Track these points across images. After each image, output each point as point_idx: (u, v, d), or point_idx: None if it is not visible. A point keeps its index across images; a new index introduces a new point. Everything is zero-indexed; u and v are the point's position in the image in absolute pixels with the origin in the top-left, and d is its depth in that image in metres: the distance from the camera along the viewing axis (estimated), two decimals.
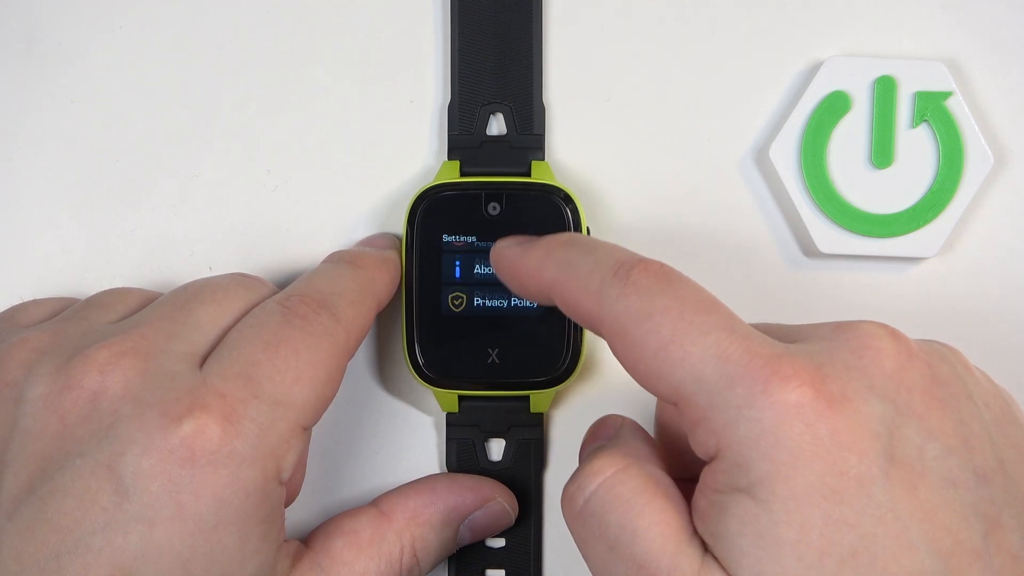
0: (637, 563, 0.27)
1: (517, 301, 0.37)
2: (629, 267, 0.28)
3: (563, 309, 0.30)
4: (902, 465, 0.26)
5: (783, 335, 0.29)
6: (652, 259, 0.29)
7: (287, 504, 0.32)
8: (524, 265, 0.31)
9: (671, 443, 0.32)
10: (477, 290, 0.37)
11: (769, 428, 0.25)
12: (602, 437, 0.32)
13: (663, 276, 0.28)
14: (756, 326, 0.29)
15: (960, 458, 0.26)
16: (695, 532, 0.27)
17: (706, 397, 0.26)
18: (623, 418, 0.32)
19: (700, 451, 0.27)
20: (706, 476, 0.27)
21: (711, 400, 0.26)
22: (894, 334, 0.28)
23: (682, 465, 0.30)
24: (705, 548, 0.27)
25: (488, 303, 0.37)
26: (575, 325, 0.36)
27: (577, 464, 0.31)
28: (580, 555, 0.39)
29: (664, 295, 0.27)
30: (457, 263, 0.37)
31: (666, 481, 0.28)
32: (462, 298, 0.37)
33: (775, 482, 0.25)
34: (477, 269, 0.37)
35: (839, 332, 0.28)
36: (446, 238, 0.37)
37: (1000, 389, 0.30)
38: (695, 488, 0.28)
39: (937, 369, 0.28)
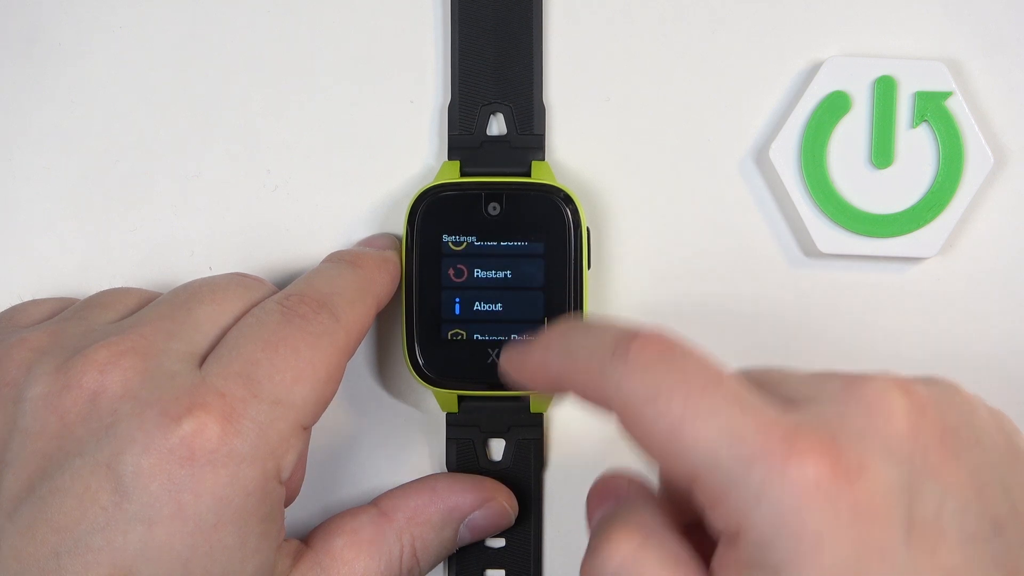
0: None
1: (517, 301, 0.37)
2: (627, 344, 0.27)
3: (578, 398, 0.29)
4: (922, 528, 0.25)
5: (789, 390, 0.28)
6: (649, 331, 0.28)
7: (287, 504, 0.32)
8: (529, 365, 0.30)
9: (678, 497, 0.31)
10: (477, 291, 0.37)
11: (791, 509, 0.25)
12: (608, 498, 0.30)
13: (664, 350, 0.27)
14: (762, 376, 0.29)
15: (976, 510, 0.26)
16: None
17: (723, 479, 0.25)
18: (628, 478, 0.30)
19: (718, 528, 0.26)
20: (726, 553, 0.26)
21: (729, 483, 0.25)
22: (905, 389, 0.27)
23: (690, 511, 0.30)
24: None
25: (488, 303, 0.37)
26: None
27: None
28: (579, 555, 0.39)
29: (668, 373, 0.27)
30: (457, 263, 0.37)
31: (685, 556, 0.27)
32: (462, 298, 0.37)
33: (800, 562, 0.24)
34: (477, 269, 0.37)
35: (849, 392, 0.27)
36: (446, 238, 0.37)
37: (998, 418, 0.29)
38: (703, 536, 0.27)
39: (947, 418, 0.27)
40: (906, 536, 0.25)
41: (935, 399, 0.27)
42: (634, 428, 0.27)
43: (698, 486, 0.26)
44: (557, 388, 0.30)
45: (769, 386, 0.28)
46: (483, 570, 0.38)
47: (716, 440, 0.25)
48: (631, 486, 0.30)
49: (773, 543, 0.25)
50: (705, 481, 0.26)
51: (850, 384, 0.27)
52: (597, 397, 0.28)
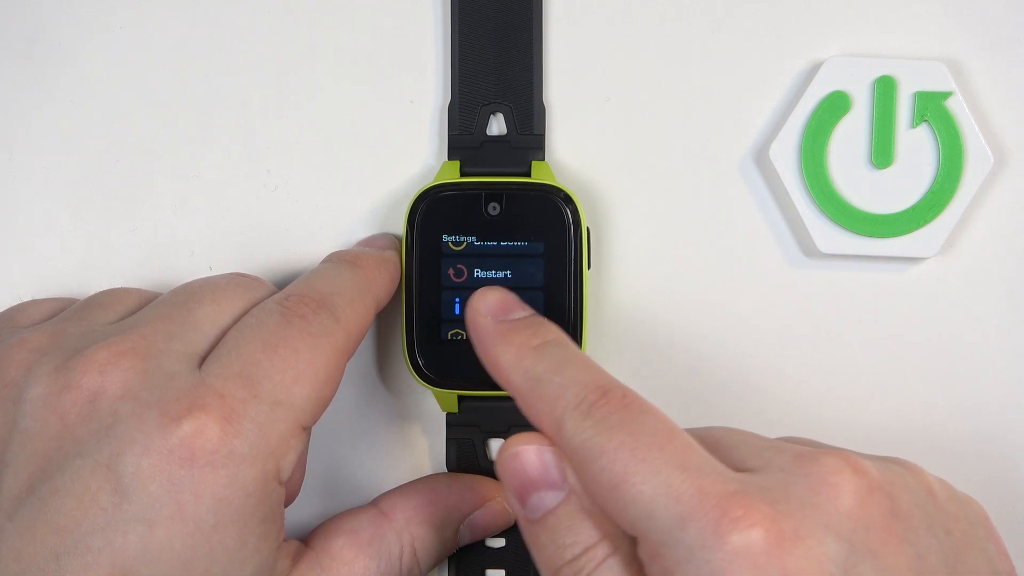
0: None
1: None
2: (593, 399, 0.28)
3: (524, 415, 0.30)
4: None
5: (744, 459, 0.28)
6: (617, 387, 0.28)
7: (287, 504, 0.32)
8: (493, 356, 0.31)
9: None
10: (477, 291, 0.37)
11: (718, 570, 0.25)
12: (549, 485, 0.29)
13: (623, 408, 0.28)
14: (720, 439, 0.29)
15: None
16: None
17: (659, 535, 0.26)
18: (558, 458, 0.29)
19: None
20: None
21: (663, 539, 0.26)
22: (856, 468, 0.27)
23: None
24: None
25: None
26: (575, 326, 0.36)
27: None
28: None
29: (620, 430, 0.27)
30: (457, 263, 0.37)
31: (637, 566, 0.28)
32: (462, 298, 0.37)
33: None
34: (477, 269, 0.37)
35: (799, 465, 0.27)
36: (446, 238, 0.37)
37: (965, 505, 0.29)
38: None
39: (897, 501, 0.27)
40: None
41: (888, 481, 0.28)
42: (582, 477, 0.28)
43: (639, 539, 0.27)
44: (507, 391, 0.31)
45: (724, 450, 0.28)
46: (483, 570, 0.38)
47: (653, 498, 0.26)
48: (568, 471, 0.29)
49: None
50: (643, 535, 0.26)
51: (801, 457, 0.28)
52: (549, 435, 0.29)
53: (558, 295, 0.37)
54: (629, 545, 0.28)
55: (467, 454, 0.38)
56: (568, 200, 0.37)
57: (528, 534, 0.29)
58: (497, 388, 0.37)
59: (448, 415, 0.38)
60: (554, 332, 0.31)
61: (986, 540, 0.29)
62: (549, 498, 0.29)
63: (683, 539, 0.25)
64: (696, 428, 0.30)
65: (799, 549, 0.25)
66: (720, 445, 0.29)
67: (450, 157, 0.38)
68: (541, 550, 0.29)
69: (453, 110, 0.38)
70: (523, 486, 0.29)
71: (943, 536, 0.28)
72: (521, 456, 0.29)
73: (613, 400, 0.28)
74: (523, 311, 0.32)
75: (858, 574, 0.26)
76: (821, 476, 0.27)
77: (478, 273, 0.37)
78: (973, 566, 0.28)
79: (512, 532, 0.38)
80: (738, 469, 0.28)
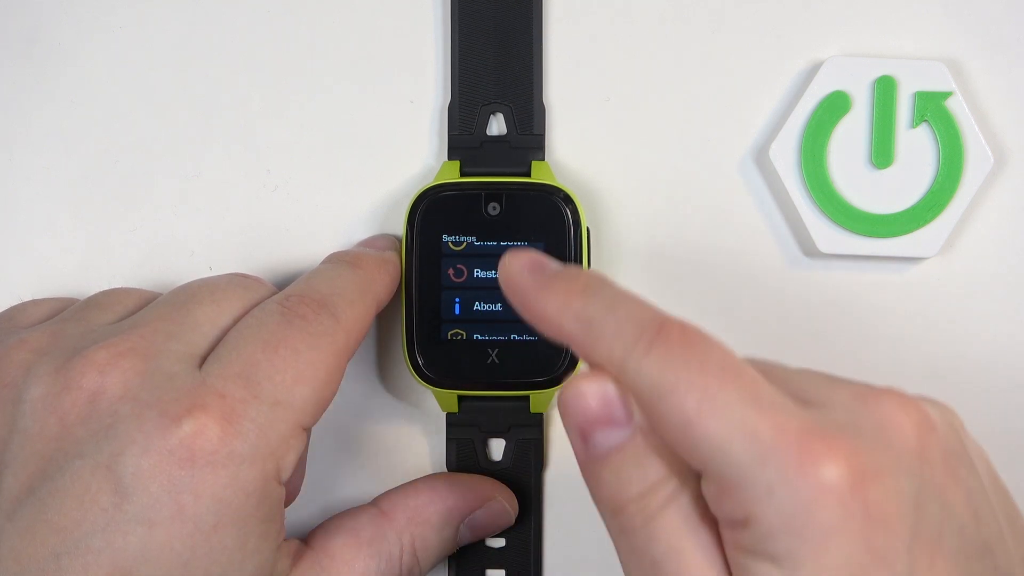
0: None
1: None
2: (652, 334, 0.27)
3: (583, 359, 0.29)
4: (924, 540, 0.25)
5: (803, 390, 0.28)
6: (674, 320, 0.28)
7: (287, 504, 0.32)
8: (540, 308, 0.30)
9: None
10: (477, 291, 0.37)
11: (803, 505, 0.25)
12: (614, 423, 0.29)
13: (685, 342, 0.27)
14: (770, 370, 0.29)
15: (972, 531, 0.26)
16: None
17: (735, 473, 0.26)
18: (624, 395, 0.29)
19: (724, 515, 0.26)
20: (730, 535, 0.26)
21: (740, 477, 0.25)
22: (916, 406, 0.27)
23: None
24: None
25: (488, 303, 0.37)
26: None
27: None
28: (580, 555, 0.39)
29: (687, 366, 0.27)
30: (457, 263, 0.37)
31: (704, 505, 0.28)
32: (462, 298, 0.37)
33: (803, 556, 0.25)
34: (477, 269, 0.37)
35: (862, 403, 0.27)
36: (446, 238, 0.37)
37: (981, 449, 0.30)
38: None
39: (950, 441, 0.28)
40: (909, 546, 0.25)
41: (940, 421, 0.28)
42: (650, 415, 0.27)
43: (709, 476, 0.26)
44: (559, 340, 0.29)
45: (783, 383, 0.28)
46: (483, 570, 0.38)
47: (729, 436, 0.26)
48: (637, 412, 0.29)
49: (779, 535, 0.25)
50: (717, 473, 0.26)
51: (863, 395, 0.27)
52: (613, 374, 0.28)
53: None
54: (696, 481, 0.27)
55: (467, 454, 0.38)
56: (568, 200, 0.37)
57: (590, 473, 0.29)
58: (497, 388, 0.37)
59: (448, 415, 0.38)
60: (596, 274, 0.30)
61: (1002, 482, 0.30)
62: (615, 435, 0.28)
63: (762, 476, 0.25)
64: (749, 359, 0.29)
65: (879, 485, 0.25)
66: (774, 376, 0.28)
67: (450, 157, 0.38)
68: (604, 487, 0.28)
69: (453, 110, 0.38)
70: (588, 423, 0.28)
71: (983, 475, 0.28)
72: (587, 394, 0.28)
73: (673, 334, 0.27)
74: (558, 265, 0.31)
75: (928, 509, 0.26)
76: (885, 414, 0.27)
77: (478, 273, 0.37)
78: (1006, 505, 0.28)
79: (512, 532, 0.38)
80: (802, 403, 0.27)
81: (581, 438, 0.29)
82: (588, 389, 0.28)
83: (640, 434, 0.28)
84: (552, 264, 0.31)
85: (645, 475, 0.28)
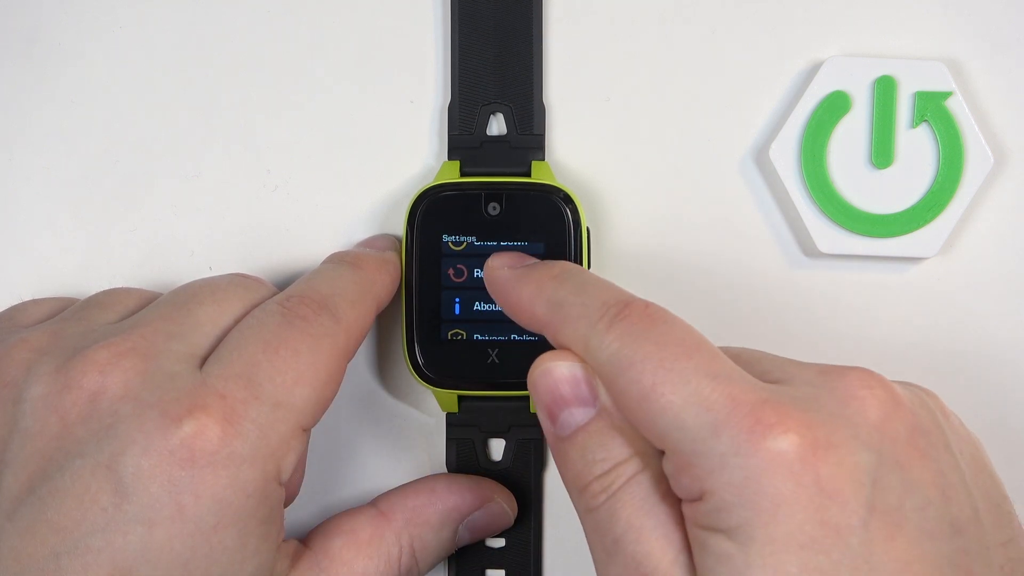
0: (640, 559, 0.27)
1: None
2: (615, 312, 0.28)
3: (553, 344, 0.31)
4: (882, 515, 0.25)
5: (767, 371, 0.28)
6: (639, 300, 0.29)
7: (286, 504, 0.32)
8: (516, 297, 0.31)
9: None
10: (477, 291, 0.37)
11: (753, 476, 0.25)
12: (580, 402, 0.29)
13: (647, 319, 0.28)
14: (739, 354, 0.29)
15: (938, 509, 0.26)
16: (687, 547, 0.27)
17: (690, 445, 0.26)
18: (589, 374, 0.29)
19: (683, 493, 0.27)
20: (688, 511, 0.27)
21: (695, 448, 0.26)
22: (881, 382, 0.27)
23: None
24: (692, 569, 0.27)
25: (488, 303, 0.37)
26: None
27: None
28: (580, 555, 0.39)
29: (646, 341, 0.27)
30: (457, 263, 0.37)
31: (666, 484, 0.28)
32: (462, 298, 0.37)
33: (754, 528, 0.25)
34: (477, 269, 0.37)
35: (826, 378, 0.28)
36: (446, 238, 0.37)
37: (971, 435, 0.30)
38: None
39: (919, 418, 0.28)
40: (865, 519, 0.25)
41: (910, 399, 0.28)
42: (612, 391, 0.28)
43: (667, 451, 0.27)
44: (537, 330, 0.31)
45: (746, 364, 0.29)
46: (483, 570, 0.38)
47: (684, 407, 0.26)
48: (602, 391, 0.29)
49: (731, 508, 0.25)
50: (673, 446, 0.26)
51: (826, 372, 0.28)
52: (578, 354, 0.29)
53: None
54: (658, 462, 0.28)
55: (467, 454, 0.38)
56: (568, 200, 0.37)
57: (557, 451, 0.29)
58: (497, 388, 0.37)
59: (448, 415, 0.38)
60: (569, 263, 0.32)
61: (991, 467, 0.29)
62: (580, 414, 0.29)
63: (715, 447, 0.25)
64: (723, 347, 0.29)
65: (832, 456, 0.25)
66: (741, 359, 0.29)
67: (450, 157, 0.38)
68: (570, 466, 0.29)
69: (453, 110, 0.38)
70: (554, 402, 0.29)
71: (959, 456, 0.28)
72: (552, 372, 0.29)
73: (636, 311, 0.28)
74: (535, 260, 0.33)
75: (886, 484, 0.26)
76: (848, 389, 0.27)
77: (478, 273, 0.37)
78: (986, 488, 0.28)
79: (512, 532, 0.38)
80: (762, 380, 0.28)
81: (549, 417, 0.29)
82: (555, 367, 0.29)
83: (604, 414, 0.29)
84: (530, 259, 0.33)
85: (608, 454, 0.28)
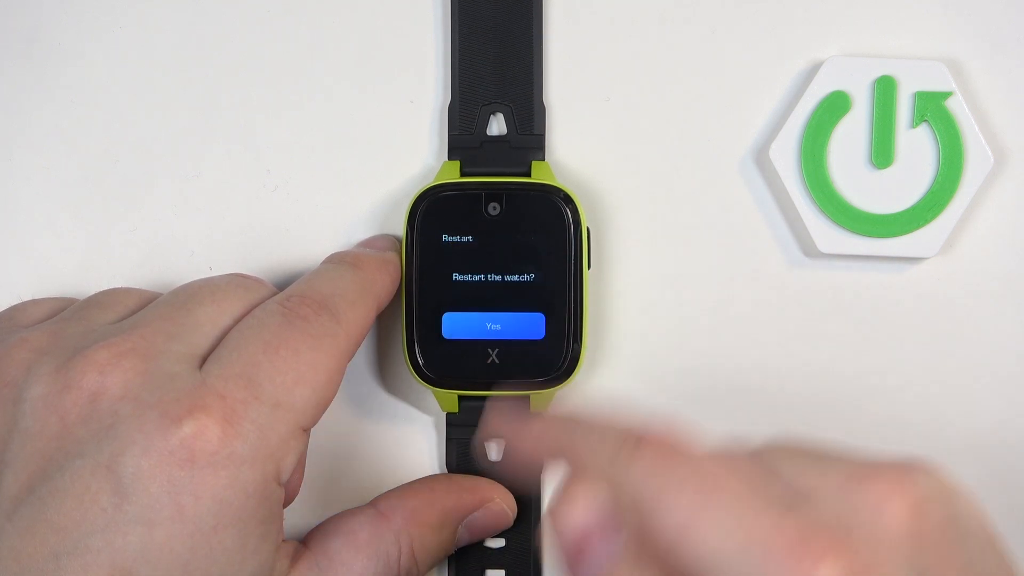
0: None
1: (517, 301, 0.37)
2: (633, 444, 0.27)
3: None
4: None
5: (788, 479, 0.28)
6: (656, 430, 0.28)
7: (286, 504, 0.32)
8: (524, 432, 0.31)
9: None
10: (477, 290, 0.37)
11: None
12: (612, 530, 0.28)
13: (671, 449, 0.27)
14: (760, 454, 0.28)
15: None
16: None
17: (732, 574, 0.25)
18: (614, 502, 0.28)
19: None
20: None
21: None
22: (908, 487, 0.27)
23: None
24: None
25: (488, 303, 0.37)
26: (575, 326, 0.36)
27: None
28: None
29: (677, 468, 0.27)
30: (457, 263, 0.37)
31: None
32: (462, 298, 0.37)
33: None
34: (477, 269, 0.37)
35: (853, 490, 0.27)
36: (446, 238, 0.37)
37: (973, 503, 0.29)
38: None
39: (943, 513, 0.27)
40: None
41: (933, 494, 0.27)
42: (638, 525, 0.27)
43: None
44: (548, 460, 0.30)
45: (762, 471, 0.28)
46: (482, 570, 0.38)
47: (726, 538, 0.25)
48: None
49: None
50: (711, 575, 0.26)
51: (852, 480, 0.27)
52: (600, 481, 0.28)
53: (558, 295, 0.37)
54: None
55: (467, 454, 0.38)
56: (568, 200, 0.37)
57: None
58: (497, 388, 0.37)
59: (448, 415, 0.38)
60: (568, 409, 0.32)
61: (995, 538, 0.29)
62: (610, 545, 0.28)
63: None
64: (733, 445, 0.29)
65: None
66: (763, 460, 0.28)
67: (450, 157, 0.38)
68: None
69: (453, 110, 0.38)
70: (579, 542, 0.28)
71: (975, 539, 0.28)
72: (576, 509, 0.28)
73: (657, 440, 0.27)
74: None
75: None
76: (878, 501, 0.27)
77: (478, 274, 0.37)
78: (1000, 563, 0.28)
79: (512, 532, 0.38)
80: (794, 497, 0.27)
81: (575, 555, 0.28)
82: (578, 498, 0.28)
83: (632, 546, 0.27)
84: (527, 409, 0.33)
85: None
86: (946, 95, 0.38)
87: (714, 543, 0.26)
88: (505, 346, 0.37)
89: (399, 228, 0.39)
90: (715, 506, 0.26)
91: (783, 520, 0.26)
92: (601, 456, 0.28)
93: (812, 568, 0.25)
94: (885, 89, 0.38)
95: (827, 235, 0.38)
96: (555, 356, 0.37)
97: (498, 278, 0.37)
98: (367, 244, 0.38)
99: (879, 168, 0.38)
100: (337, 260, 0.36)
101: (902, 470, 0.27)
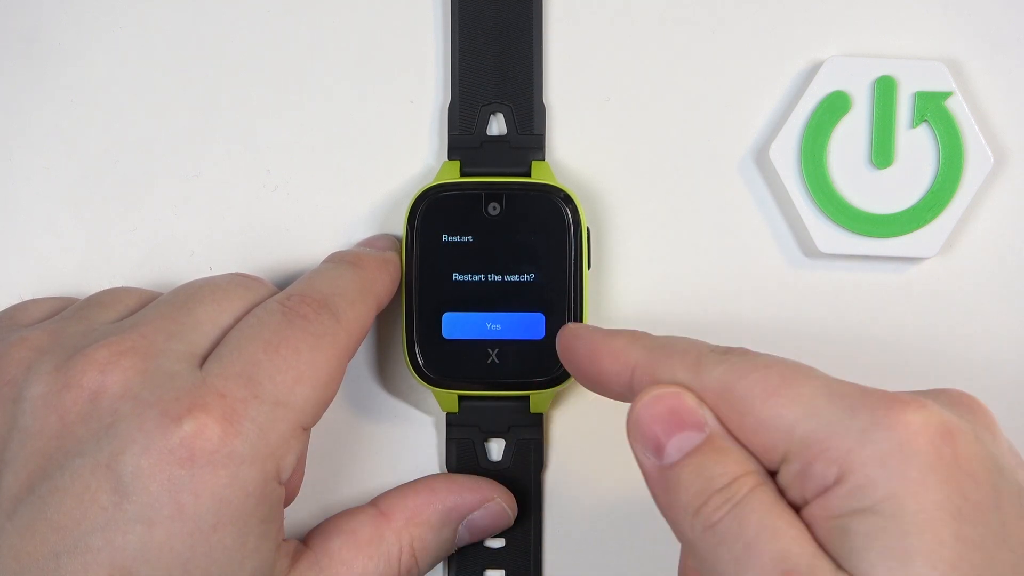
0: (780, 556, 0.26)
1: (517, 301, 0.37)
2: (724, 350, 0.29)
3: (645, 386, 0.30)
4: (1008, 502, 0.26)
5: None
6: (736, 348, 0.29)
7: (286, 504, 0.32)
8: (606, 347, 0.31)
9: None
10: (477, 290, 0.37)
11: (896, 446, 0.25)
12: (691, 426, 0.29)
13: (753, 352, 0.29)
14: None
15: None
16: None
17: (825, 428, 0.26)
18: (695, 399, 0.29)
19: (815, 485, 0.26)
20: (817, 510, 0.26)
21: (831, 429, 0.26)
22: (980, 402, 0.29)
23: None
24: (837, 565, 0.26)
25: (488, 303, 0.37)
26: None
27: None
28: (580, 555, 0.39)
29: (763, 357, 0.28)
30: (457, 263, 0.37)
31: (784, 500, 0.28)
32: (462, 298, 0.37)
33: (904, 498, 0.25)
34: (477, 269, 0.37)
35: (930, 392, 0.28)
36: (446, 238, 0.37)
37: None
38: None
39: (1009, 442, 0.29)
40: (996, 503, 0.26)
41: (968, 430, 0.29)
42: (728, 404, 0.28)
43: (792, 449, 0.27)
44: (624, 380, 0.31)
45: None
46: (483, 570, 0.38)
47: (815, 396, 0.27)
48: (708, 413, 0.29)
49: (876, 482, 0.25)
50: (803, 436, 0.27)
51: (932, 390, 0.29)
52: (685, 381, 0.29)
53: (558, 295, 0.37)
54: (772, 480, 0.28)
55: (467, 454, 0.38)
56: (568, 200, 0.37)
57: (666, 480, 0.29)
58: (497, 388, 0.37)
59: (448, 415, 0.38)
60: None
61: None
62: (693, 438, 0.28)
63: (854, 425, 0.26)
64: None
65: (964, 438, 0.26)
66: None
67: (450, 157, 0.38)
68: (684, 489, 0.28)
69: (453, 110, 0.38)
70: (664, 430, 0.29)
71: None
72: (661, 401, 0.29)
73: (742, 349, 0.29)
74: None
75: (1006, 478, 0.26)
76: (956, 398, 0.28)
77: (478, 274, 0.37)
78: None
79: (512, 532, 0.38)
80: None
81: (655, 448, 0.29)
82: (663, 395, 0.29)
83: (715, 436, 0.28)
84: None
85: (727, 469, 0.28)
86: (946, 95, 0.38)
87: (805, 398, 0.27)
88: (505, 346, 0.37)
89: (399, 228, 0.39)
90: (803, 376, 0.27)
91: (867, 388, 0.27)
92: (687, 362, 0.29)
93: (903, 412, 0.26)
94: (885, 89, 0.38)
95: (827, 235, 0.38)
96: (555, 356, 0.36)
97: (498, 278, 0.37)
98: (367, 244, 0.38)
99: (879, 168, 0.38)
100: (337, 260, 0.36)
101: (975, 397, 0.29)
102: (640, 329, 0.32)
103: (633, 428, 0.29)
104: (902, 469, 0.25)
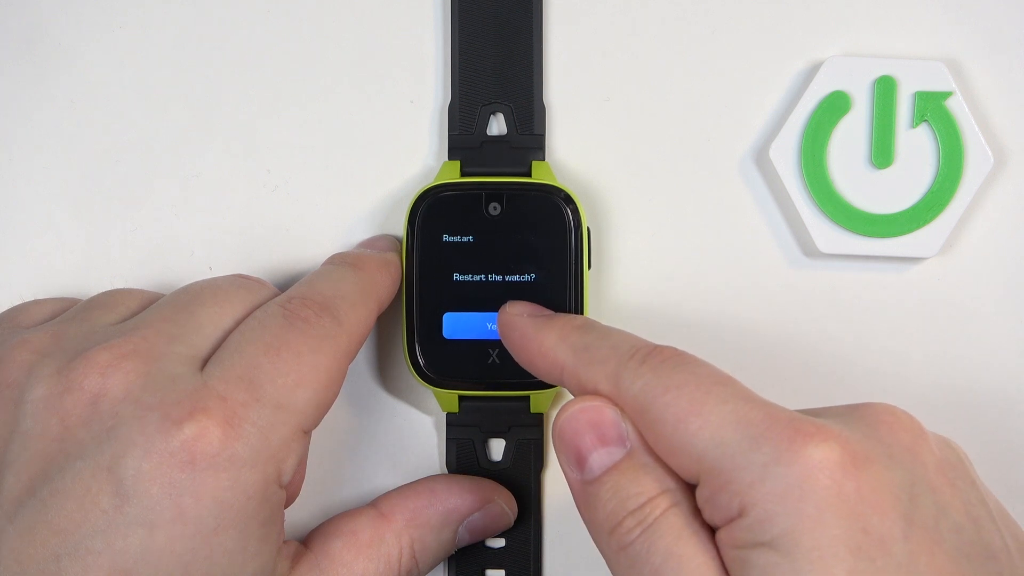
0: None
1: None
2: (645, 352, 0.29)
3: (574, 390, 0.31)
4: (921, 531, 0.26)
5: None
6: (666, 346, 0.29)
7: (286, 506, 0.32)
8: (536, 344, 0.32)
9: None
10: (477, 290, 0.37)
11: (795, 483, 0.25)
12: (611, 442, 0.29)
13: (678, 357, 0.29)
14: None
15: (971, 534, 0.26)
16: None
17: (729, 460, 0.26)
18: (617, 414, 0.29)
19: (720, 515, 0.27)
20: (724, 537, 0.27)
21: (734, 462, 0.26)
22: (908, 415, 0.28)
23: None
24: None
25: (488, 303, 0.37)
26: None
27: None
28: (580, 555, 0.39)
29: (679, 372, 0.28)
30: (458, 263, 0.37)
31: (699, 519, 0.28)
32: (463, 298, 0.37)
33: (800, 534, 0.25)
34: (477, 269, 0.37)
35: (852, 411, 0.28)
36: (446, 238, 0.37)
37: (986, 488, 0.30)
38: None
39: (944, 453, 0.28)
40: (906, 532, 0.25)
41: (934, 436, 0.28)
42: (643, 424, 0.28)
43: (703, 474, 0.27)
44: (555, 377, 0.31)
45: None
46: (483, 570, 0.38)
47: (723, 425, 0.27)
48: (629, 428, 0.29)
49: (774, 517, 0.25)
50: (710, 465, 0.27)
51: (853, 406, 0.28)
52: (605, 393, 0.29)
53: (558, 295, 0.37)
54: (689, 497, 0.28)
55: (467, 454, 0.38)
56: (568, 200, 0.37)
57: (586, 496, 0.29)
58: (497, 388, 0.37)
59: (448, 415, 0.38)
60: (590, 318, 0.33)
61: (1010, 515, 0.30)
62: (611, 454, 0.29)
63: (755, 459, 0.26)
64: None
65: (871, 468, 0.26)
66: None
67: (450, 157, 0.38)
68: (601, 507, 0.29)
69: (453, 110, 0.38)
70: (585, 446, 0.29)
71: (985, 495, 0.28)
72: (583, 415, 0.29)
73: (666, 352, 0.29)
74: (551, 312, 0.34)
75: (922, 503, 0.26)
76: (877, 417, 0.28)
77: (478, 274, 0.37)
78: (1014, 530, 0.28)
79: (512, 532, 0.38)
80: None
81: (576, 462, 0.29)
82: (585, 409, 0.29)
83: (635, 453, 0.29)
84: (547, 311, 0.34)
85: (642, 489, 0.28)
86: (946, 95, 0.38)
87: (712, 426, 0.27)
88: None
89: (399, 228, 0.39)
90: (716, 395, 0.27)
91: (779, 412, 0.27)
92: (613, 361, 0.29)
93: (805, 445, 0.26)
94: (885, 89, 0.38)
95: (827, 235, 0.38)
96: None
97: (498, 278, 0.37)
98: (367, 244, 0.38)
99: (879, 168, 0.38)
100: (338, 261, 0.36)
101: (907, 412, 0.28)
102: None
103: (557, 440, 0.30)
104: (798, 506, 0.25)
